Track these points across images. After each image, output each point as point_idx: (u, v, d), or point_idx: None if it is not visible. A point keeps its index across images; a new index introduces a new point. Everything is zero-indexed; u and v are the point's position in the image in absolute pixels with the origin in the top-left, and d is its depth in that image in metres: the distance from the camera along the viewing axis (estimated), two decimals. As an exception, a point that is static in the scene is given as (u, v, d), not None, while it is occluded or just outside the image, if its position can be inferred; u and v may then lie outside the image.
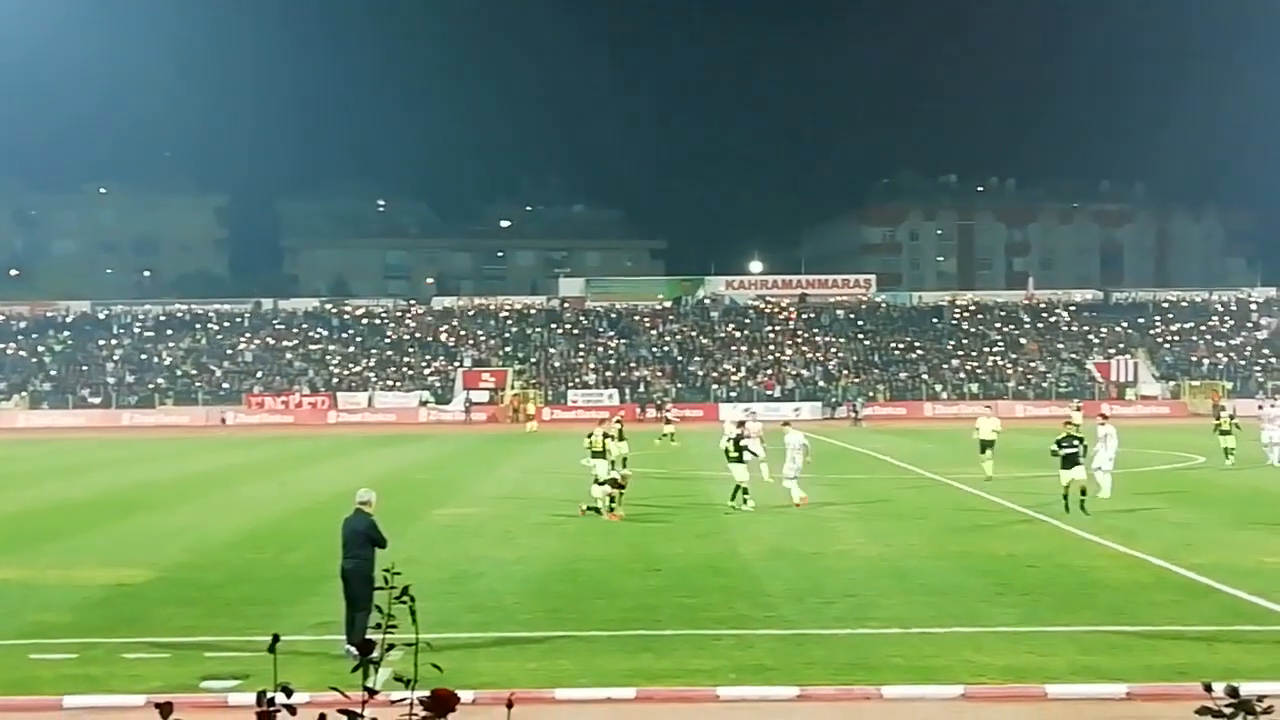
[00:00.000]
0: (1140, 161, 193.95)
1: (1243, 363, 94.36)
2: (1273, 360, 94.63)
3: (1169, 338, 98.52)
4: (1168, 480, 38.45)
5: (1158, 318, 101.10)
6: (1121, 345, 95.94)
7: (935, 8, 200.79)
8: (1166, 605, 18.94)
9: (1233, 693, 3.32)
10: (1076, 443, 29.54)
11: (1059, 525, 27.72)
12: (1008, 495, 33.45)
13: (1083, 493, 29.01)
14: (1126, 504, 31.47)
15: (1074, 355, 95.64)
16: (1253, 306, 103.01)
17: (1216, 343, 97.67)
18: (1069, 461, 29.25)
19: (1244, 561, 22.44)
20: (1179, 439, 53.20)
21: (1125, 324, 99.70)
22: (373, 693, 3.23)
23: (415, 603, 3.47)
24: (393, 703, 3.19)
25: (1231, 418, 43.30)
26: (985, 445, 38.73)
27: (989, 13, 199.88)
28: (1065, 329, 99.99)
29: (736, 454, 31.14)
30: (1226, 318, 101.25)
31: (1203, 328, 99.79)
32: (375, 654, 3.51)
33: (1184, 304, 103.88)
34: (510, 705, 3.85)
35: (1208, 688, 3.41)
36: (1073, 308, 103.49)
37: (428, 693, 3.07)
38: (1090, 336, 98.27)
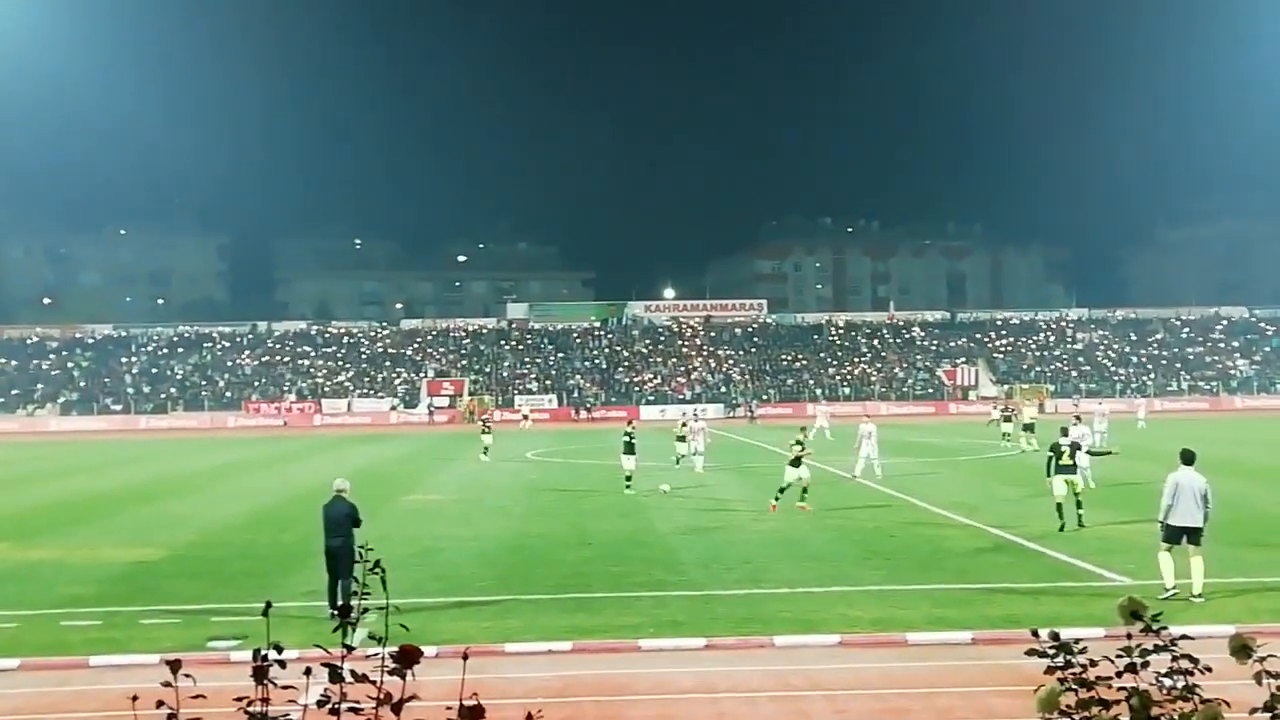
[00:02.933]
0: (979, 207, 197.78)
1: (1062, 369, 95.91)
2: (1086, 367, 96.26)
3: (1003, 349, 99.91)
4: (1003, 465, 38.94)
5: (994, 333, 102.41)
6: (965, 356, 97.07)
7: (809, 80, 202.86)
8: (1002, 566, 19.15)
9: (1055, 637, 3.37)
10: (1067, 449, 23.49)
11: (915, 502, 27.97)
12: (873, 479, 33.71)
13: (1079, 505, 23.20)
14: (970, 484, 31.82)
15: (927, 364, 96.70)
16: (1069, 324, 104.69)
17: (1041, 353, 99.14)
18: (1069, 469, 23.22)
19: (1064, 531, 22.73)
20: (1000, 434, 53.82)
21: (967, 339, 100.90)
22: (350, 649, 3.19)
23: (386, 573, 3.43)
24: (367, 657, 3.15)
25: (1009, 416, 49.81)
26: (1028, 427, 44.03)
27: (854, 83, 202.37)
28: (919, 343, 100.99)
29: (626, 447, 31.61)
30: (1048, 333, 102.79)
31: (1030, 341, 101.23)
32: (353, 617, 3.48)
33: (1014, 322, 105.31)
34: (465, 657, 3.82)
35: (1034, 633, 3.44)
36: (925, 325, 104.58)
37: (396, 648, 3.03)
38: (939, 349, 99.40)
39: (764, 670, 12.95)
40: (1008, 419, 49.73)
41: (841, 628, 14.66)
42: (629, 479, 31.13)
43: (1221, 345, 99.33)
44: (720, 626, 14.90)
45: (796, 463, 26.48)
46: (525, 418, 73.47)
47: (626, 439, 31.82)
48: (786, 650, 13.80)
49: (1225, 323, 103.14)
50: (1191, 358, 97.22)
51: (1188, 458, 16.56)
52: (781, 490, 26.32)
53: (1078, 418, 29.97)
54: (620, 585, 17.93)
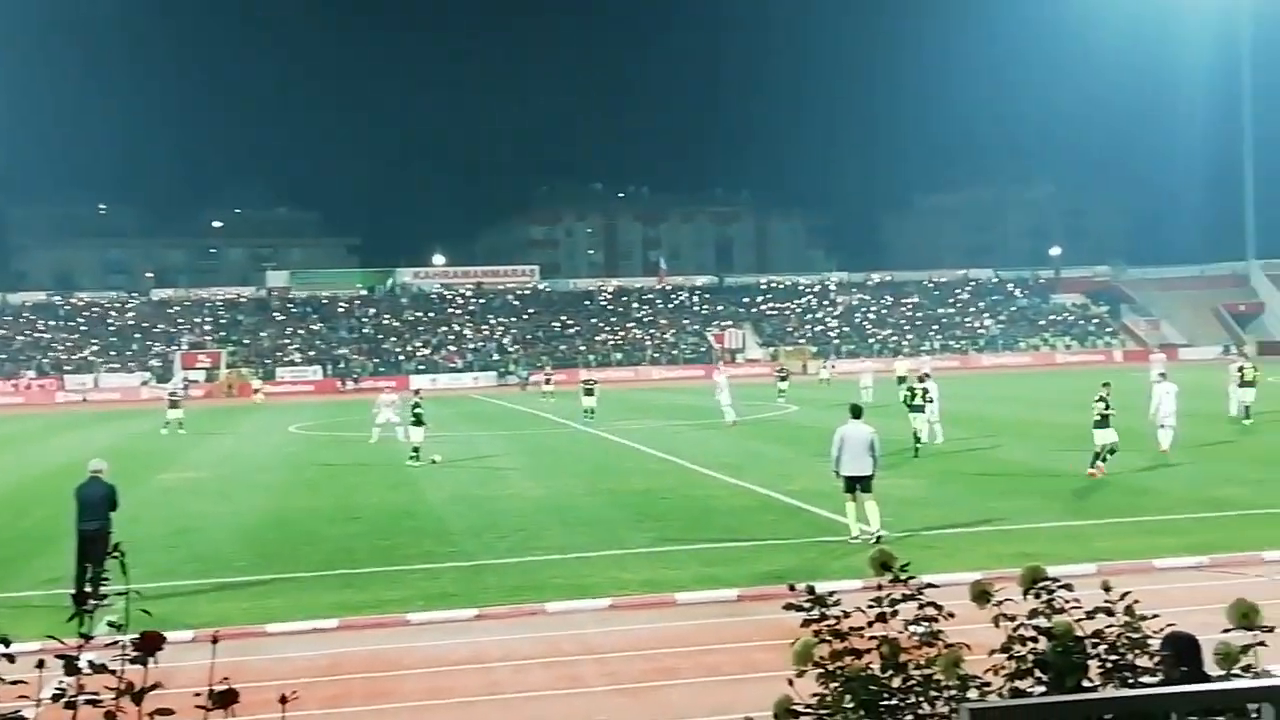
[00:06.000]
0: (745, 174, 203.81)
1: (824, 331, 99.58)
2: (846, 329, 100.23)
3: (768, 313, 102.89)
4: (768, 425, 40.17)
5: (759, 297, 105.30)
6: (732, 319, 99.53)
7: (581, 49, 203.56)
8: (768, 524, 19.81)
9: (810, 591, 3.50)
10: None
11: (684, 464, 28.56)
12: (644, 441, 34.29)
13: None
14: (738, 445, 32.69)
15: (696, 328, 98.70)
16: (830, 288, 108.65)
17: (804, 316, 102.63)
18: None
19: (825, 488, 23.47)
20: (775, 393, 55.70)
21: (735, 303, 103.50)
22: (88, 638, 3.02)
23: (126, 556, 3.27)
24: (107, 645, 3.00)
25: (785, 376, 55.13)
26: (783, 376, 53.40)
27: (624, 53, 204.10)
28: (689, 307, 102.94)
29: (414, 418, 30.93)
30: (811, 297, 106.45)
31: (794, 305, 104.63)
32: (90, 605, 3.31)
33: (779, 286, 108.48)
34: (215, 640, 3.68)
35: (792, 587, 3.57)
36: (695, 290, 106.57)
37: (138, 635, 2.89)
38: (708, 313, 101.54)
39: (536, 637, 13.03)
40: (783, 378, 54.42)
41: (613, 591, 14.89)
42: (416, 451, 30.52)
43: (970, 306, 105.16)
44: (492, 596, 14.90)
45: (1103, 423, 24.20)
46: (256, 390, 72.61)
47: (416, 410, 31.06)
48: (558, 616, 13.92)
49: (973, 284, 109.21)
50: (944, 318, 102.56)
51: (856, 412, 18.51)
52: (1097, 455, 24.09)
53: (925, 374, 33.56)
54: (389, 559, 17.68)
